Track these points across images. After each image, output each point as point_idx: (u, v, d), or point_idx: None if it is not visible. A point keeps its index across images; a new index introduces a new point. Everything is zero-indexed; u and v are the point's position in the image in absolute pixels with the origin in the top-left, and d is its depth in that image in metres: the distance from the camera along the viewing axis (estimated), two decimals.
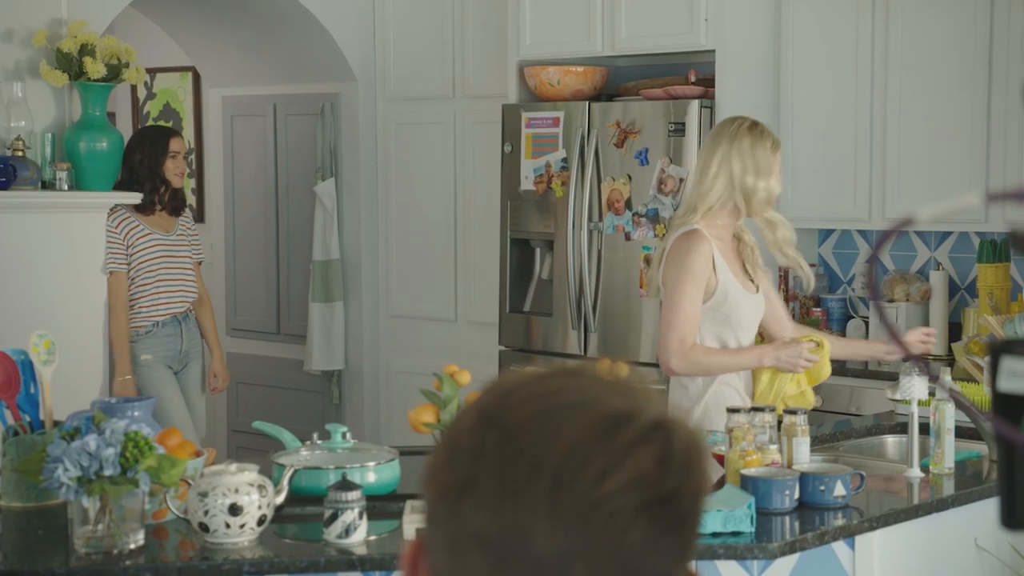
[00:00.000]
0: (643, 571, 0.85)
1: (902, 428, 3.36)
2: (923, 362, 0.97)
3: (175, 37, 6.02)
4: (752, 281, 3.18)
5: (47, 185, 4.49)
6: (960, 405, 2.98)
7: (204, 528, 2.36)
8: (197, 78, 6.58)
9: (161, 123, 6.61)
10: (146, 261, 4.72)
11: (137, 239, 4.71)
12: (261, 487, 2.40)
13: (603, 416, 0.86)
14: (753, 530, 2.45)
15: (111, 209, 4.67)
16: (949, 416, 2.90)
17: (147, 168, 4.75)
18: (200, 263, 4.98)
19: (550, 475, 0.84)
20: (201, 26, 5.80)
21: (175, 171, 4.80)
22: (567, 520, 0.83)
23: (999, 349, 0.87)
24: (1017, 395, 0.85)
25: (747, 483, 2.58)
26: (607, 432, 0.85)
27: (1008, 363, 0.86)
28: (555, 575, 0.84)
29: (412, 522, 2.44)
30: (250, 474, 2.41)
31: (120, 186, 4.70)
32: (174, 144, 4.83)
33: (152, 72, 6.67)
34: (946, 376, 3.21)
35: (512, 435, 0.86)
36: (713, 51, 4.49)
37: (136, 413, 2.53)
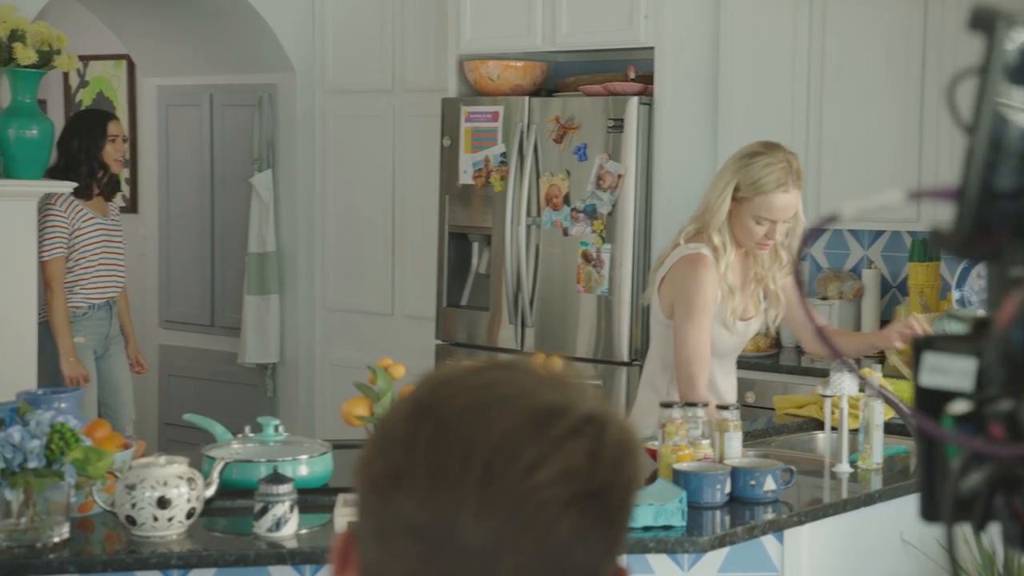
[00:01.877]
0: (571, 564, 0.85)
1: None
2: (850, 360, 0.99)
3: (109, 24, 5.93)
4: (757, 303, 3.11)
5: None
6: (888, 402, 3.03)
7: (131, 521, 2.33)
8: (132, 67, 6.48)
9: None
10: (89, 245, 4.72)
11: (82, 223, 4.71)
12: (191, 480, 2.38)
13: (536, 409, 0.86)
14: (684, 524, 2.47)
15: (54, 195, 4.62)
16: (878, 412, 2.95)
17: (85, 153, 4.72)
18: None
19: (481, 466, 0.83)
20: (136, 14, 5.72)
21: (115, 155, 4.80)
22: (496, 511, 0.83)
23: (921, 345, 0.88)
24: (938, 390, 0.86)
25: (679, 477, 2.60)
26: (539, 425, 0.85)
27: (929, 358, 0.87)
28: (483, 566, 0.84)
29: (344, 515, 2.43)
30: (179, 467, 2.38)
31: (55, 172, 4.64)
32: (112, 128, 4.81)
33: (85, 60, 6.56)
34: (875, 373, 3.26)
35: (445, 425, 0.86)
36: (652, 48, 4.51)
37: (63, 404, 2.49)
